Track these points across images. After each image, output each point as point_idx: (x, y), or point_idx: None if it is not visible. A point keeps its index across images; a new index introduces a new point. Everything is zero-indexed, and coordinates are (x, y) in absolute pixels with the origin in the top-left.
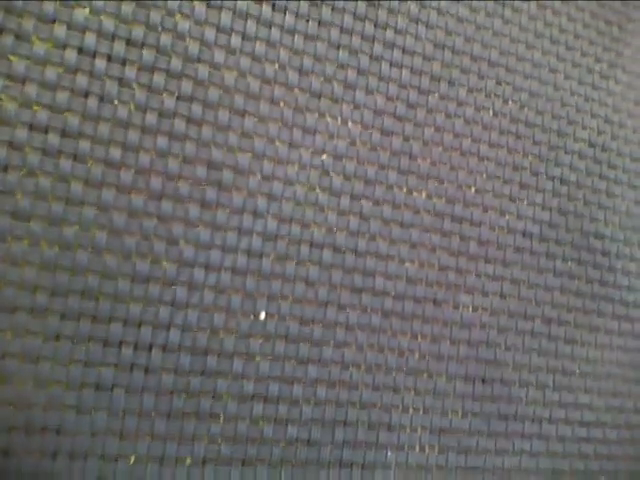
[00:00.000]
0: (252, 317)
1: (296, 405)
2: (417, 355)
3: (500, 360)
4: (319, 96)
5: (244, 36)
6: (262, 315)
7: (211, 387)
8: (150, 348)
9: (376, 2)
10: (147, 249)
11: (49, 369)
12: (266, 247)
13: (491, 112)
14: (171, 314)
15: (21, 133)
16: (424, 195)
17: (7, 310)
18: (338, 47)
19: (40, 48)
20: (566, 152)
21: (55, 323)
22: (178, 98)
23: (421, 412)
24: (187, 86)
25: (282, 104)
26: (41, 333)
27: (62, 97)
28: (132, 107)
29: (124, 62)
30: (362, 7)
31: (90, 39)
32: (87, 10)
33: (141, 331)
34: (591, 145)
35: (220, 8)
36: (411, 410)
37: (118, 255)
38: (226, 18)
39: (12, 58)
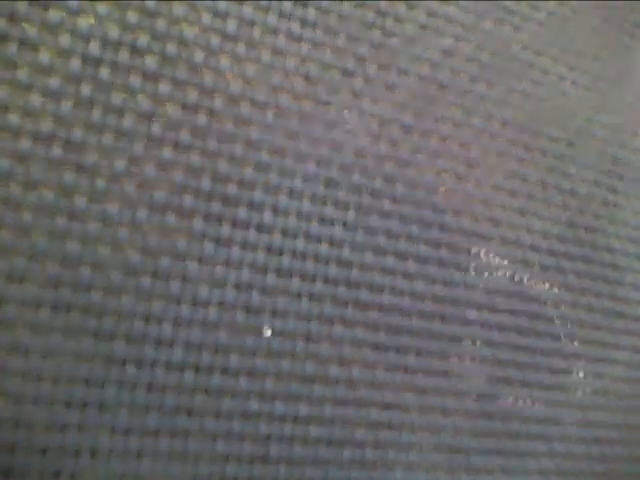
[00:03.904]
0: (257, 334)
1: (303, 424)
2: (425, 373)
3: (510, 376)
4: (326, 105)
5: (249, 43)
6: (268, 332)
7: (215, 405)
8: (153, 366)
9: (382, 1)
10: (151, 265)
11: (51, 388)
12: (271, 262)
13: (500, 121)
14: (175, 331)
15: (25, 143)
16: (431, 208)
17: (8, 327)
18: (345, 55)
19: (44, 56)
20: (575, 163)
21: (57, 340)
22: (183, 107)
23: (430, 431)
24: (192, 95)
25: (288, 113)
26: (42, 351)
27: (66, 107)
28: (137, 117)
29: (129, 71)
30: (370, 15)
31: (94, 47)
32: (91, 18)
33: (144, 348)
34: (601, 156)
35: (226, 15)
36: (419, 429)
37: (121, 271)
38: (232, 25)
39: (16, 66)
